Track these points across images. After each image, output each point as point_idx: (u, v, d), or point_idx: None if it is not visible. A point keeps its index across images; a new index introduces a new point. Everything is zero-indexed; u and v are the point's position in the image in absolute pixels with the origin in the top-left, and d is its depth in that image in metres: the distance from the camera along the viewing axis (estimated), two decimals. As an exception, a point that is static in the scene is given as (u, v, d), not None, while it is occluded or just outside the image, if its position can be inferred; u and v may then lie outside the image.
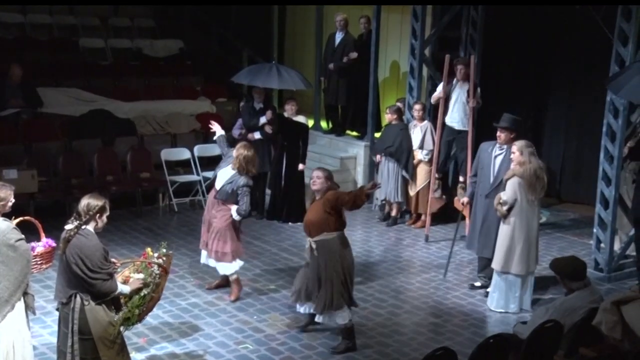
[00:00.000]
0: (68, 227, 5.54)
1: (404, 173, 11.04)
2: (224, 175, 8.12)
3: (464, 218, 9.62)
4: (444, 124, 10.68)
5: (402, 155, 10.99)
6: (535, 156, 8.08)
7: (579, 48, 11.97)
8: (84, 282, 5.46)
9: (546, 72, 12.65)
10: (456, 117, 10.73)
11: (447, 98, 10.64)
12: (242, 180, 8.01)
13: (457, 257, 9.86)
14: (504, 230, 8.17)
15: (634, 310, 5.85)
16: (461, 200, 9.13)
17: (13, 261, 5.59)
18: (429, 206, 10.78)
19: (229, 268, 8.21)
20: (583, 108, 12.18)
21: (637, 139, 9.59)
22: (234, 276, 8.28)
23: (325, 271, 7.09)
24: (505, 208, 8.09)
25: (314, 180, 7.34)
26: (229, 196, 8.05)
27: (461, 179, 10.81)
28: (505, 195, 8.08)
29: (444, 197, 10.96)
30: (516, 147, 8.09)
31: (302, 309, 7.51)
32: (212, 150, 12.33)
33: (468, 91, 10.33)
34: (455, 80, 10.61)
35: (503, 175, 8.25)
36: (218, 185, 8.16)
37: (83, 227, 5.52)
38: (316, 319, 7.43)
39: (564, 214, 12.18)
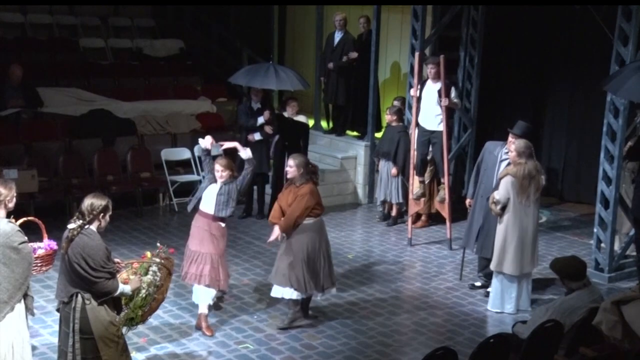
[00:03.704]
0: (71, 226, 5.54)
1: (401, 177, 11.04)
2: (211, 192, 7.66)
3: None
4: (417, 124, 10.60)
5: (400, 158, 10.99)
6: (533, 157, 8.05)
7: (579, 48, 11.97)
8: (86, 281, 5.46)
9: (546, 72, 12.65)
10: (428, 117, 10.54)
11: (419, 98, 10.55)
12: (233, 183, 7.69)
13: (457, 257, 9.87)
14: (499, 230, 8.16)
15: (634, 310, 5.86)
16: (467, 202, 9.07)
17: (15, 263, 5.58)
18: (409, 209, 10.73)
19: (205, 293, 7.57)
20: (583, 108, 12.19)
21: (637, 138, 9.59)
22: (205, 311, 7.60)
23: (307, 253, 7.49)
24: (498, 207, 8.08)
25: (287, 169, 7.71)
26: (228, 205, 7.65)
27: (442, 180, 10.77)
28: (498, 194, 8.07)
29: (423, 199, 10.91)
30: (514, 147, 8.07)
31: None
32: (213, 150, 12.32)
33: (439, 91, 10.25)
34: (425, 80, 10.58)
35: None
36: (208, 205, 7.63)
37: (86, 226, 5.53)
38: (286, 295, 7.63)
39: (564, 213, 12.18)
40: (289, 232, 7.55)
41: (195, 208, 7.78)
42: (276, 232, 7.65)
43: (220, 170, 7.64)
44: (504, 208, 8.06)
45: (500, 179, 8.11)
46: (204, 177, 8.15)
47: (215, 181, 7.68)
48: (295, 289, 7.54)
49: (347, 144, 12.83)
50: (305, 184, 7.55)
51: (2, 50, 12.70)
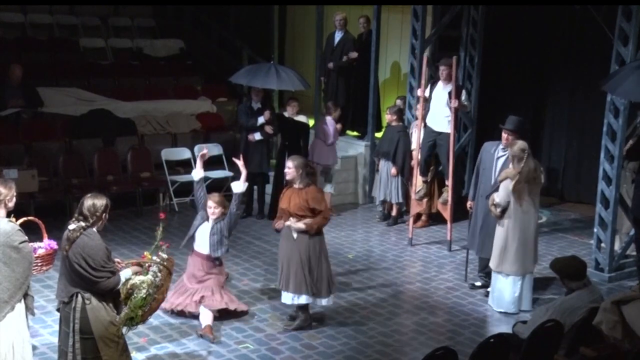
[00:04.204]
0: (72, 227, 5.54)
1: (401, 177, 11.03)
2: (204, 231, 7.75)
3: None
4: (424, 125, 10.57)
5: (399, 158, 10.97)
6: (530, 158, 8.02)
7: (579, 48, 11.97)
8: (87, 280, 5.47)
9: (546, 72, 12.65)
10: (437, 118, 10.53)
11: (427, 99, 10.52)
12: (225, 220, 7.75)
13: (457, 257, 9.88)
14: (498, 231, 8.16)
15: (634, 310, 5.86)
16: (467, 204, 9.05)
17: (15, 263, 5.58)
18: (412, 209, 10.70)
19: (207, 313, 7.57)
20: (583, 108, 12.19)
21: (637, 138, 9.60)
22: (210, 322, 7.54)
23: (309, 255, 7.41)
24: (498, 210, 8.07)
25: (286, 171, 7.56)
26: (222, 243, 7.72)
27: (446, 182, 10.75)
28: (498, 197, 8.07)
29: (424, 200, 10.92)
30: (512, 149, 8.06)
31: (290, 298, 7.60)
32: (213, 150, 12.34)
33: (450, 92, 10.24)
34: (436, 80, 10.56)
35: None
36: (202, 245, 7.75)
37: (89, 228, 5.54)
38: (302, 301, 7.57)
39: (564, 213, 12.18)
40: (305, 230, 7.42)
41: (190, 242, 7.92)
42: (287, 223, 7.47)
43: (212, 207, 7.72)
44: (504, 211, 8.06)
45: (500, 181, 8.11)
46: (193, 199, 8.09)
47: (208, 219, 7.76)
48: (305, 294, 7.51)
49: (347, 144, 12.82)
50: (310, 186, 7.47)
51: (2, 50, 12.71)
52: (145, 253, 6.07)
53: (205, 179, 11.62)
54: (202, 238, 7.75)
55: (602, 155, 9.24)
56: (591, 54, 11.52)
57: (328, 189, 11.59)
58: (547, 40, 12.32)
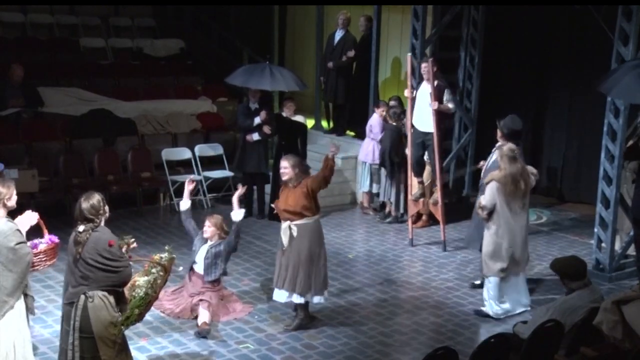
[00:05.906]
0: (80, 228, 5.54)
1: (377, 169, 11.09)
2: (201, 255, 7.90)
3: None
4: (412, 125, 10.54)
5: (384, 155, 10.98)
6: (516, 161, 7.93)
7: (579, 48, 11.97)
8: (110, 272, 5.50)
9: (546, 72, 12.66)
10: (422, 119, 10.44)
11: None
12: (222, 245, 7.89)
13: (457, 257, 9.88)
14: (486, 235, 8.06)
15: (634, 310, 5.86)
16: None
17: (12, 263, 5.56)
18: (409, 210, 10.67)
19: (205, 313, 7.63)
20: (584, 107, 12.18)
21: (637, 137, 9.59)
22: (207, 319, 7.60)
23: (309, 254, 7.45)
24: (485, 213, 8.02)
25: (282, 171, 7.61)
26: (215, 267, 7.85)
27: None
28: (484, 199, 8.00)
29: (422, 200, 10.92)
30: (502, 149, 8.04)
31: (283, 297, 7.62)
32: (213, 150, 12.36)
33: (431, 93, 10.20)
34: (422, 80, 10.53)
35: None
36: (200, 268, 7.89)
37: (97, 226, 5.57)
38: (294, 299, 7.60)
39: (564, 213, 12.18)
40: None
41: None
42: None
43: (206, 226, 7.91)
44: (490, 213, 8.01)
45: (486, 184, 8.06)
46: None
47: (206, 241, 7.91)
48: (300, 294, 7.53)
49: (348, 144, 12.80)
50: (303, 180, 7.50)
51: (2, 50, 12.72)
52: (161, 254, 6.08)
53: (206, 178, 11.85)
54: (199, 260, 7.92)
55: (602, 155, 9.24)
56: (591, 54, 11.51)
57: (367, 187, 11.78)
58: (547, 40, 12.32)
